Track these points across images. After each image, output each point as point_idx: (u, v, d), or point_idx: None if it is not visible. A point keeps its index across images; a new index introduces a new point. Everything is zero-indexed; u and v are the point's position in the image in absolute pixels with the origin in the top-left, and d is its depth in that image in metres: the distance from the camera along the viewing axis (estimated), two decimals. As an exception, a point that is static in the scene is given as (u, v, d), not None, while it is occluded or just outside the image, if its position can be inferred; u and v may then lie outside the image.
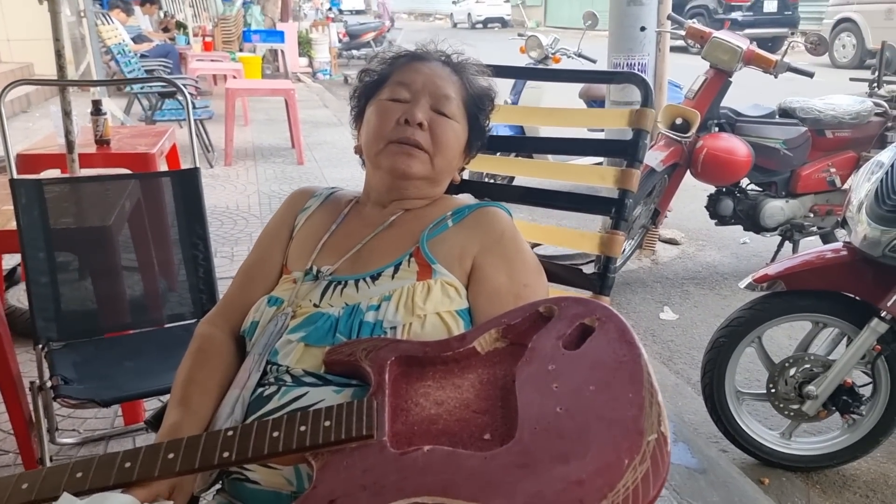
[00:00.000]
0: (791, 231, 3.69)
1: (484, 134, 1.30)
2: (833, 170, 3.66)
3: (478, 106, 1.26)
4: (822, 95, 3.76)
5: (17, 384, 1.85)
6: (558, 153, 1.61)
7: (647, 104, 1.39)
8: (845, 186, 3.67)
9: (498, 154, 1.62)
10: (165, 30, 9.86)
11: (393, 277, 1.13)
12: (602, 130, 3.86)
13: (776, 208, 3.64)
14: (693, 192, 4.50)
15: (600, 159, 3.83)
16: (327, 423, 0.87)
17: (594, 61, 4.78)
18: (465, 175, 1.42)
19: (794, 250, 3.71)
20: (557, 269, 1.42)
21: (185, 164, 4.28)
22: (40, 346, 1.85)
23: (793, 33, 13.76)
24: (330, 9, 16.02)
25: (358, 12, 30.57)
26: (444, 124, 1.19)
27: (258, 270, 1.25)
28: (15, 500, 0.84)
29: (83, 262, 2.04)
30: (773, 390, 2.19)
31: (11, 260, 3.20)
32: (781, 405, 2.19)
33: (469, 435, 0.86)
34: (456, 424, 0.88)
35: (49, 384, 1.69)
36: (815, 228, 3.75)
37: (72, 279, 1.98)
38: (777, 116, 3.70)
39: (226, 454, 0.87)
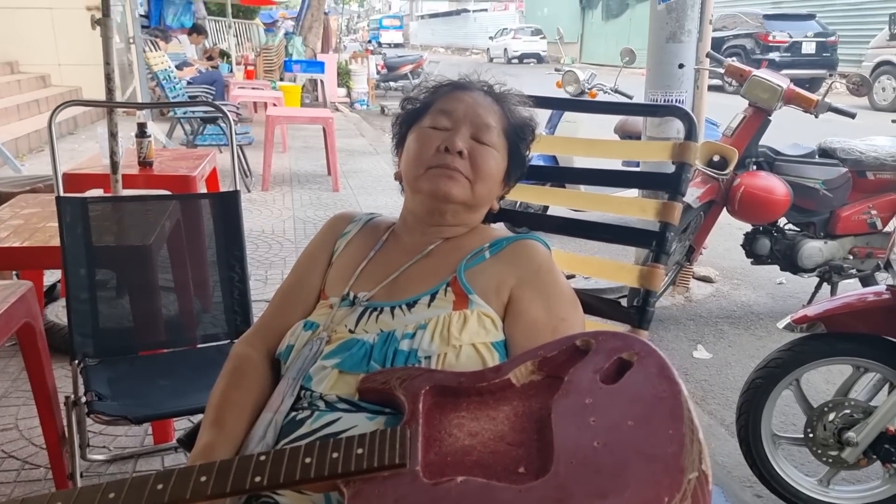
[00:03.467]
0: (829, 273, 3.62)
1: (524, 163, 1.30)
2: (874, 212, 3.59)
3: (518, 135, 1.26)
4: (863, 137, 3.71)
5: (53, 399, 1.87)
6: (596, 184, 1.60)
7: (690, 137, 1.38)
8: (887, 229, 3.60)
9: (531, 183, 1.62)
10: (210, 58, 10.12)
11: (429, 306, 1.12)
12: (637, 165, 3.85)
13: (814, 249, 3.58)
14: (728, 231, 4.45)
15: (634, 192, 3.82)
16: (360, 451, 0.87)
17: (630, 97, 4.78)
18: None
19: (833, 292, 3.63)
20: (595, 302, 1.40)
21: (224, 188, 4.36)
22: (76, 361, 1.87)
23: (831, 75, 13.66)
24: (370, 42, 16.31)
25: (396, 45, 31.09)
26: (483, 153, 1.19)
27: (296, 293, 1.26)
28: None
29: (122, 281, 2.07)
30: (811, 435, 2.13)
31: (52, 277, 3.27)
32: (819, 451, 2.13)
33: (503, 467, 0.85)
34: (490, 456, 0.87)
35: (83, 400, 1.71)
36: (854, 271, 3.67)
37: (110, 297, 2.01)
38: (817, 156, 3.65)
39: (258, 479, 0.86)
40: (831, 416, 2.10)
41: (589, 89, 4.74)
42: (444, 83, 1.28)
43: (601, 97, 4.81)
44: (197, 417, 2.05)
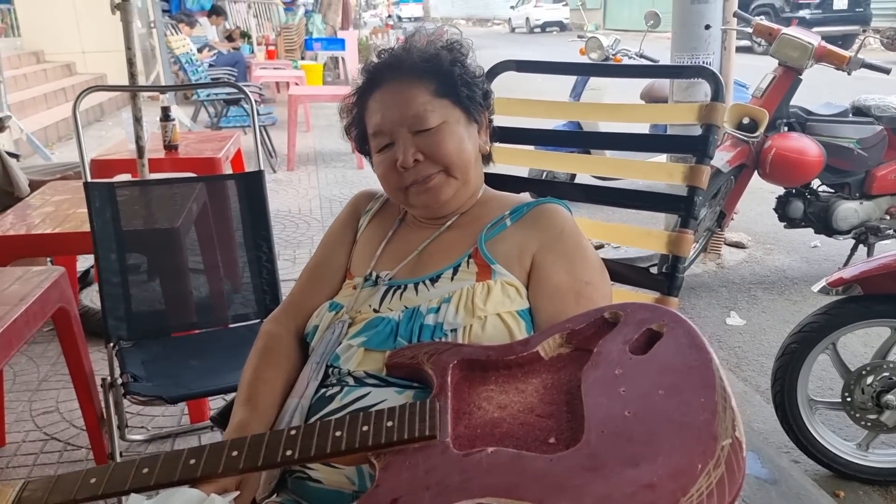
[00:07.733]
0: (865, 234, 3.54)
1: (474, 83, 1.19)
2: (911, 170, 3.49)
3: (451, 74, 1.17)
4: (898, 94, 3.61)
5: (90, 382, 1.90)
6: (620, 149, 1.56)
7: (717, 98, 1.34)
8: (925, 188, 3.50)
9: (554, 149, 1.59)
10: (230, 39, 10.12)
11: (452, 279, 1.12)
12: (664, 131, 3.78)
13: (850, 210, 3.50)
14: (760, 195, 4.37)
15: (662, 159, 3.76)
16: (390, 424, 0.87)
17: (656, 62, 4.68)
18: (525, 173, 1.39)
19: (869, 254, 3.55)
20: (624, 270, 1.38)
21: (249, 169, 4.38)
22: (111, 344, 1.91)
23: (864, 31, 13.27)
24: (389, 16, 16.19)
25: (416, 19, 30.85)
26: (433, 139, 1.13)
27: (322, 272, 1.26)
28: (83, 493, 0.86)
29: (152, 264, 2.10)
30: (848, 399, 2.10)
31: (86, 262, 3.32)
32: (858, 415, 2.10)
33: (533, 438, 0.85)
34: (520, 428, 0.87)
35: (119, 381, 1.74)
36: (891, 231, 3.58)
37: (141, 280, 2.04)
38: (851, 115, 3.55)
39: (289, 452, 0.87)
40: (869, 380, 2.06)
41: (613, 55, 4.65)
42: (355, 92, 1.22)
43: (626, 63, 4.72)
44: (231, 396, 2.08)
